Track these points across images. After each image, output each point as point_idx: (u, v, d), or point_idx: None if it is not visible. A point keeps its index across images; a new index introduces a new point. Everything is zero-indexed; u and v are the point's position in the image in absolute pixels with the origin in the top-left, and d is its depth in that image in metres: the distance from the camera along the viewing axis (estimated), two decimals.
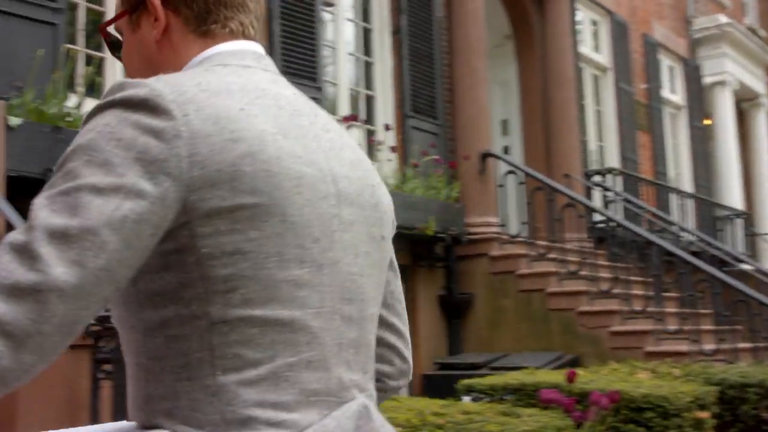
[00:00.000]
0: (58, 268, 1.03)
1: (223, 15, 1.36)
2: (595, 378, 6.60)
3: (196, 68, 1.30)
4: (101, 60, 7.25)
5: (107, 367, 3.88)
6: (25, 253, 1.04)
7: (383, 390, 1.51)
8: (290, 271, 1.18)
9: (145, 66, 1.37)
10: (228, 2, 1.36)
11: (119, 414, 3.71)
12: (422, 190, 8.83)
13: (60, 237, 1.05)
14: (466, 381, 6.83)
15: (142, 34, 1.38)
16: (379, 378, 1.48)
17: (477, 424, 5.23)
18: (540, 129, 11.45)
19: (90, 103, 6.55)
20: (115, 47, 1.46)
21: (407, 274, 9.02)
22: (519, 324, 8.85)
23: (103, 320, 3.82)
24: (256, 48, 1.38)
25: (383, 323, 1.47)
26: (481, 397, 6.49)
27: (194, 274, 1.14)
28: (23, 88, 6.08)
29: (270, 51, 8.15)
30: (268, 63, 1.37)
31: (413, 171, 8.94)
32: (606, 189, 11.65)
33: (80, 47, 7.03)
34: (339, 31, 9.24)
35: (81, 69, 6.89)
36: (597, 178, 11.90)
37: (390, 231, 1.46)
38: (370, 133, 9.30)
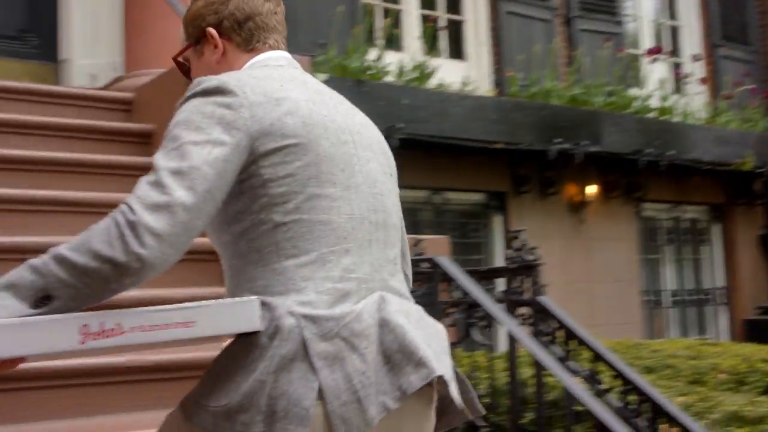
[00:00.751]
0: (179, 191, 1.59)
1: (263, 36, 1.93)
2: None
3: (246, 69, 1.88)
4: (398, 12, 7.33)
5: None
6: (157, 185, 1.59)
7: None
8: (325, 189, 1.72)
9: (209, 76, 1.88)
10: (265, 27, 1.93)
11: None
12: (737, 123, 8.22)
13: (177, 173, 1.60)
14: None
15: (205, 59, 1.95)
16: None
17: None
18: None
19: (390, 56, 6.65)
20: (186, 71, 2.02)
21: (723, 213, 8.48)
22: None
23: (415, 263, 3.84)
24: (286, 55, 1.95)
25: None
26: None
27: (260, 193, 1.69)
28: (326, 44, 6.26)
29: None
30: (296, 64, 1.94)
31: (726, 103, 8.34)
32: None
33: (377, 1, 7.14)
34: None
35: (379, 22, 7.01)
36: None
37: (395, 172, 1.97)
38: (676, 66, 8.78)
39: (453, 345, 3.87)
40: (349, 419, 1.59)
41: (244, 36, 1.91)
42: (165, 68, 5.11)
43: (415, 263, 3.82)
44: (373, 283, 1.73)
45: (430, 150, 6.63)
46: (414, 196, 6.83)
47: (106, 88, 5.78)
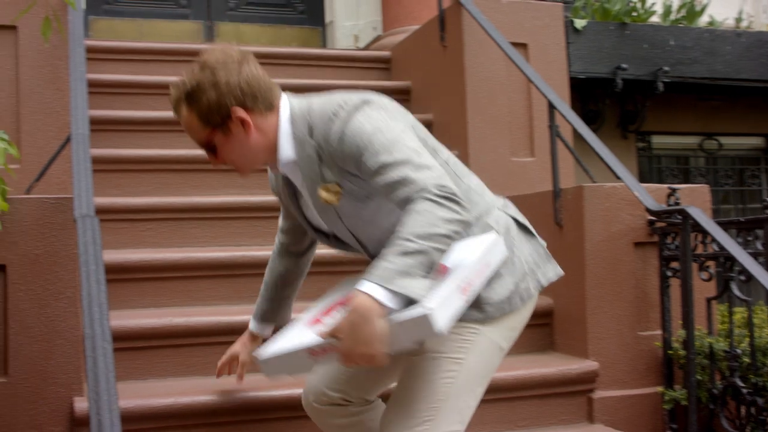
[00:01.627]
0: (432, 161, 2.15)
1: (274, 95, 2.31)
2: None
3: (313, 108, 2.30)
4: None
5: (675, 264, 3.73)
6: (421, 167, 2.10)
7: None
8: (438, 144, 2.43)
9: (244, 150, 2.29)
10: (267, 85, 2.30)
11: (686, 314, 3.56)
12: None
13: (417, 153, 2.14)
14: None
15: (234, 135, 2.27)
16: None
17: None
18: None
19: None
20: (213, 150, 2.31)
21: None
22: None
23: (666, 215, 3.68)
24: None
25: None
26: None
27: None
28: None
29: None
30: None
31: None
32: None
33: None
34: None
35: None
36: None
37: None
38: None
39: (712, 299, 3.70)
40: None
41: (263, 103, 2.28)
42: (418, 24, 5.20)
43: (668, 214, 3.67)
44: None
45: (700, 93, 6.29)
46: (683, 142, 6.50)
47: (367, 48, 5.96)
